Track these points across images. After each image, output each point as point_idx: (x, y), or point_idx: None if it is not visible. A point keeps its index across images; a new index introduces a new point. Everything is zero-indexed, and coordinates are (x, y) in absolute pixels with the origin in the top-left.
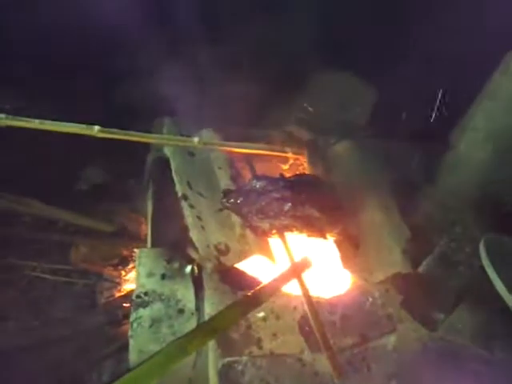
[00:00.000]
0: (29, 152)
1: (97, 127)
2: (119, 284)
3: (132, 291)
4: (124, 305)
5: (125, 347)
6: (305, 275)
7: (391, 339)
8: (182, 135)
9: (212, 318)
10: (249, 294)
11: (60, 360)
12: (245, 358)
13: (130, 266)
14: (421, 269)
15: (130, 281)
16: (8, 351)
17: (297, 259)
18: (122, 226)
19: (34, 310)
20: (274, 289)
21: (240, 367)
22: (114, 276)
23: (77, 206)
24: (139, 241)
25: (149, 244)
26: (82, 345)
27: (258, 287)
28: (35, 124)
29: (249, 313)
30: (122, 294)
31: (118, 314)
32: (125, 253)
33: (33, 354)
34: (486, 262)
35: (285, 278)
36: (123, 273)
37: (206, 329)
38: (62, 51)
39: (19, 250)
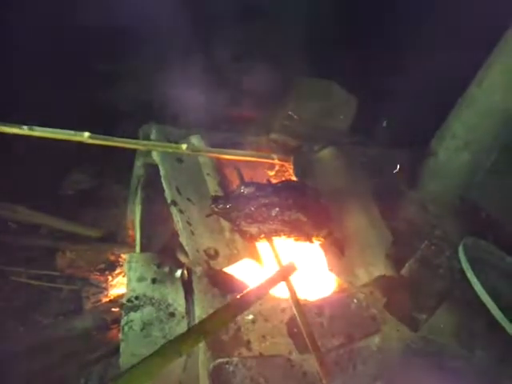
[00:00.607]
0: (14, 158)
1: (86, 133)
2: (106, 289)
3: (119, 296)
4: (112, 310)
5: (113, 352)
6: (292, 279)
7: (376, 340)
8: (170, 142)
9: (203, 321)
10: (238, 296)
11: (47, 365)
12: (235, 359)
13: (117, 271)
14: (403, 271)
15: (117, 286)
16: None
17: (284, 263)
18: (108, 232)
19: (20, 316)
20: (262, 292)
21: (231, 368)
22: (101, 281)
23: (62, 211)
24: (126, 246)
25: (138, 249)
26: (69, 350)
27: (247, 290)
28: (25, 131)
29: (239, 315)
30: (110, 299)
31: (105, 319)
32: (111, 258)
33: (20, 360)
34: (465, 265)
35: (272, 282)
36: (110, 278)
37: (198, 331)
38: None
39: (4, 256)
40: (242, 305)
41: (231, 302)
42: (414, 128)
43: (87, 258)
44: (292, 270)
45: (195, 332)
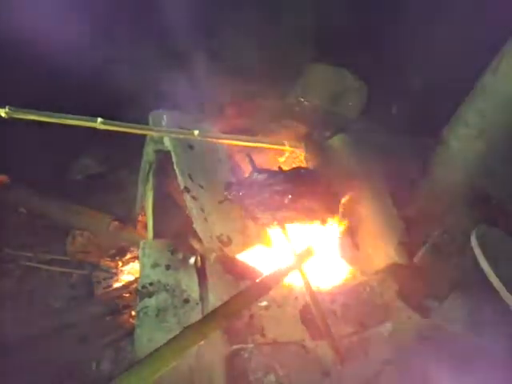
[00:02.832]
0: (23, 143)
1: (99, 119)
2: (116, 275)
3: (130, 282)
4: (123, 295)
5: (123, 337)
6: (307, 265)
7: (387, 327)
8: (181, 128)
9: (225, 304)
10: (257, 281)
11: (59, 349)
12: (251, 346)
13: (127, 256)
14: (416, 259)
15: (128, 271)
16: (6, 342)
17: (298, 249)
18: (117, 217)
19: (30, 301)
20: (280, 277)
21: (246, 354)
22: (111, 267)
23: (71, 196)
24: (136, 232)
25: (150, 235)
26: (81, 334)
27: (266, 275)
28: (41, 116)
29: (259, 298)
30: (120, 284)
31: (116, 304)
32: (121, 244)
33: (31, 344)
34: (477, 253)
35: (291, 267)
36: (120, 263)
37: (221, 313)
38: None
39: (14, 241)
40: (263, 289)
41: (251, 287)
42: (425, 115)
43: (97, 244)
44: (309, 255)
45: (218, 315)
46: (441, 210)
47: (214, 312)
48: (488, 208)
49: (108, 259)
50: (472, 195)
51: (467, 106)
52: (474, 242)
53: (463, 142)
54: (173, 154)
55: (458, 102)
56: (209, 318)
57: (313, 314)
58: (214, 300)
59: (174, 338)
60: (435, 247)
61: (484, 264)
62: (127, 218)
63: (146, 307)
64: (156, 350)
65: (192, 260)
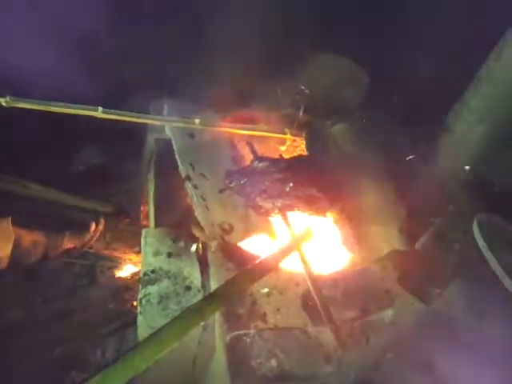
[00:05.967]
0: (25, 134)
1: (100, 108)
2: (120, 263)
3: (133, 270)
4: (126, 283)
5: (127, 324)
6: (307, 248)
7: (389, 313)
8: (182, 117)
9: (224, 286)
10: (256, 262)
11: (63, 337)
12: (252, 331)
13: (130, 245)
14: (417, 246)
15: (131, 260)
16: (9, 328)
17: (299, 232)
18: (119, 207)
19: (34, 290)
20: (280, 257)
21: (248, 340)
22: (114, 256)
23: (73, 187)
24: (138, 221)
25: (152, 224)
26: (84, 322)
27: (264, 257)
28: (41, 105)
29: (258, 280)
30: (124, 272)
31: (119, 292)
32: (124, 233)
33: (36, 331)
34: (479, 240)
35: (289, 248)
36: (123, 253)
37: (219, 296)
38: None
39: None
40: (262, 270)
41: (250, 269)
42: (428, 103)
43: (100, 234)
44: (308, 237)
45: (216, 297)
46: (443, 198)
47: (213, 295)
48: (490, 195)
49: (111, 249)
50: (474, 182)
51: (471, 92)
52: (475, 229)
53: (467, 128)
54: (174, 142)
55: (461, 90)
56: (208, 300)
57: (314, 300)
58: (216, 287)
59: (175, 318)
60: (437, 234)
61: (486, 252)
62: (130, 209)
63: (149, 294)
64: (158, 331)
65: (193, 248)
